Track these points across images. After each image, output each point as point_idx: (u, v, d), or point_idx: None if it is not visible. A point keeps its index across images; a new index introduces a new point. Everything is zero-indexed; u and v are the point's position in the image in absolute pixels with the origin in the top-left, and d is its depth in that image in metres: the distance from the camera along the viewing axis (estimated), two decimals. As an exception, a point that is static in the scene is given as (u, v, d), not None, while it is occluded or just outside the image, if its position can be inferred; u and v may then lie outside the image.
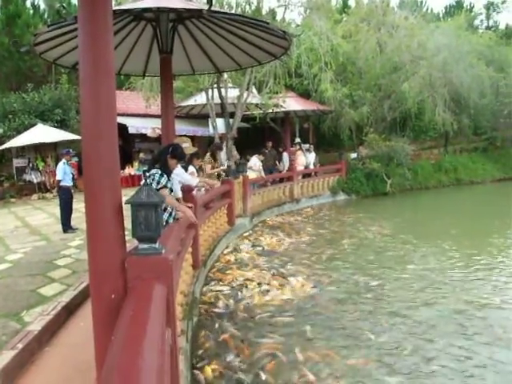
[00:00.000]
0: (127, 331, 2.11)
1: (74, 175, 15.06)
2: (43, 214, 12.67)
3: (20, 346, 3.93)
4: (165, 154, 4.81)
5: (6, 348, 3.90)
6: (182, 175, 6.20)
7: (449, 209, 15.19)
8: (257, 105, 16.75)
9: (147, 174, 4.71)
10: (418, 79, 18.71)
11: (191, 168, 7.68)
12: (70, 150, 11.01)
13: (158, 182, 4.60)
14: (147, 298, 2.45)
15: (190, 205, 6.04)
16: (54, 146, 17.13)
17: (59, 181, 10.02)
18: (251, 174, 13.37)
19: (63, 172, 9.96)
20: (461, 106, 21.40)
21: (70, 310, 4.99)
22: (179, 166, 5.87)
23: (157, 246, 2.75)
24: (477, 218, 13.59)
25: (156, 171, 4.68)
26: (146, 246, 2.74)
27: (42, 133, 16.34)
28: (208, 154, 10.28)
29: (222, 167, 11.70)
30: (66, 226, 9.67)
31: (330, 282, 7.39)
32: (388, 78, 19.54)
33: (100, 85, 2.79)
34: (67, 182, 10.00)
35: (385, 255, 9.15)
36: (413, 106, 19.11)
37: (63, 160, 10.34)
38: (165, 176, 4.69)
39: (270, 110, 16.76)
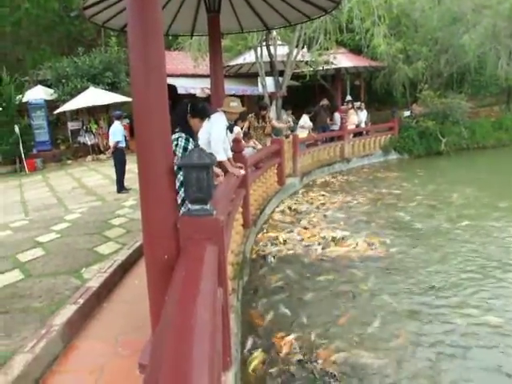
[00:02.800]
0: (181, 291, 2.15)
1: (125, 137, 15.44)
2: (98, 175, 13.12)
3: (81, 300, 4.14)
4: (184, 114, 4.06)
5: (69, 302, 4.11)
6: (214, 143, 5.48)
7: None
8: (307, 62, 16.31)
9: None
10: (480, 30, 17.43)
11: (237, 128, 7.57)
12: (122, 113, 11.20)
13: (185, 149, 3.90)
14: (199, 259, 2.48)
15: (239, 165, 6.04)
16: (106, 108, 17.54)
17: (118, 142, 10.08)
18: (302, 133, 13.19)
19: (121, 133, 10.15)
20: (527, 57, 19.92)
21: (125, 268, 5.19)
22: (219, 127, 5.56)
23: (208, 207, 2.76)
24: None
25: (179, 135, 3.96)
26: (197, 207, 2.76)
27: (94, 96, 16.72)
28: (252, 114, 10.06)
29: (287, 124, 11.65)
30: (121, 186, 10.00)
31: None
32: (446, 31, 18.37)
33: (149, 46, 2.76)
34: (122, 144, 10.23)
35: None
36: (473, 60, 17.97)
37: (118, 121, 10.47)
38: (191, 140, 4.01)
39: (321, 68, 16.31)
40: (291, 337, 4.37)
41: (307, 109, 14.78)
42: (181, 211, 3.17)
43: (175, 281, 2.27)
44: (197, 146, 3.99)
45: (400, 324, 4.69)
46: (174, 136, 3.87)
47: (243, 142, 7.54)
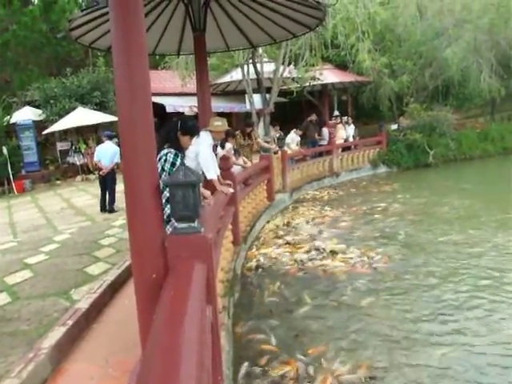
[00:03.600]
0: (168, 310, 2.14)
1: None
2: (87, 195, 13.06)
3: (70, 322, 4.08)
4: (174, 131, 4.02)
5: (58, 324, 4.06)
6: (204, 161, 5.45)
7: (498, 178, 14.61)
8: (293, 78, 16.50)
9: (157, 157, 3.77)
10: (462, 44, 17.83)
11: (228, 145, 7.63)
12: (110, 132, 11.07)
13: (173, 164, 3.84)
14: (187, 277, 2.48)
15: (228, 182, 6.05)
16: (95, 128, 17.52)
17: (117, 163, 9.86)
18: (289, 150, 13.27)
19: (119, 154, 9.44)
20: (509, 70, 20.18)
21: (114, 288, 5.14)
22: (205, 145, 5.57)
23: (195, 224, 2.76)
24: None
25: (168, 151, 3.91)
26: (184, 225, 2.76)
27: (83, 116, 16.72)
28: (238, 131, 10.08)
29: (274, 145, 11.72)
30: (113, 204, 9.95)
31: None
32: (429, 45, 18.73)
33: (133, 66, 2.78)
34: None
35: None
36: (456, 73, 18.28)
37: (110, 141, 10.18)
38: (180, 156, 3.94)
39: (307, 84, 16.49)
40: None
41: (300, 126, 14.93)
42: (167, 228, 3.17)
43: (163, 300, 2.26)
44: (183, 163, 3.93)
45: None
46: (163, 152, 3.88)
47: (233, 158, 7.59)
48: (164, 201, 3.34)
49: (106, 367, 3.58)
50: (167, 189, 3.30)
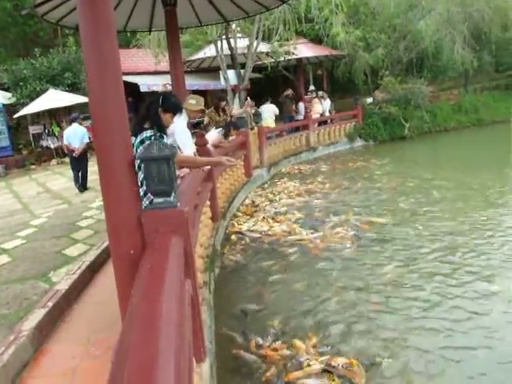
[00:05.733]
0: (146, 283, 2.14)
1: (90, 138, 15.15)
2: (63, 178, 12.85)
3: (50, 304, 4.05)
4: (154, 108, 3.67)
5: (38, 307, 4.03)
6: (180, 136, 5.28)
7: (470, 149, 14.91)
8: (268, 53, 16.35)
9: (137, 140, 3.47)
10: (435, 16, 17.91)
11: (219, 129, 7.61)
12: (80, 114, 11.48)
13: None
14: (164, 251, 2.47)
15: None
16: (68, 110, 17.11)
17: (87, 143, 10.23)
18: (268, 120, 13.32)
19: (87, 134, 10.26)
20: (482, 41, 20.41)
21: (94, 269, 5.12)
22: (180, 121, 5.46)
23: (171, 199, 2.75)
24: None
25: (150, 133, 3.47)
26: (160, 199, 2.74)
27: (55, 98, 16.30)
28: (211, 108, 9.93)
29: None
30: (85, 184, 10.27)
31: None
32: (403, 17, 18.76)
33: (102, 43, 2.72)
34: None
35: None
36: (430, 46, 18.38)
37: (77, 123, 10.48)
38: (165, 137, 3.50)
39: (282, 58, 16.37)
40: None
41: (277, 99, 14.86)
42: (143, 203, 3.14)
43: (141, 274, 2.26)
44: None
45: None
46: (146, 134, 3.49)
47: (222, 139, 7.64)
48: (142, 176, 3.27)
49: (88, 346, 3.58)
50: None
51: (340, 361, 3.83)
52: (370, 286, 5.32)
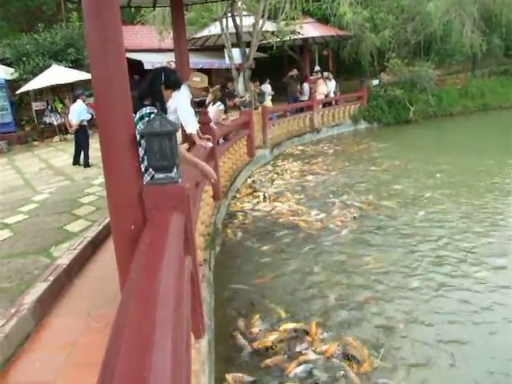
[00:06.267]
0: (145, 258, 2.14)
1: (92, 115, 15.10)
2: (66, 155, 12.82)
3: (51, 278, 4.08)
4: (157, 85, 3.64)
5: (39, 281, 4.06)
6: (183, 113, 5.31)
7: (475, 134, 14.80)
8: (273, 32, 16.14)
9: (137, 116, 3.39)
10: (445, -3, 17.60)
11: (217, 104, 7.50)
12: (83, 92, 11.36)
13: None
14: (164, 227, 2.47)
15: (207, 136, 5.99)
16: (71, 86, 17.01)
17: (82, 120, 10.47)
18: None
19: (85, 112, 10.48)
20: (491, 24, 20.04)
21: (95, 245, 5.14)
22: (184, 98, 5.42)
23: (173, 174, 2.73)
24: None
25: (150, 110, 3.44)
26: (161, 175, 2.73)
27: (58, 74, 16.17)
28: (216, 86, 9.86)
29: (238, 99, 11.49)
30: (88, 161, 10.43)
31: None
32: (412, -2, 18.45)
33: (105, 18, 2.67)
34: (85, 122, 10.56)
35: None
36: (438, 28, 18.11)
37: (80, 100, 10.65)
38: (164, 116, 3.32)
39: (288, 38, 16.16)
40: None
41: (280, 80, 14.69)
42: (144, 178, 3.12)
43: (140, 249, 2.25)
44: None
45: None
46: (146, 110, 3.46)
47: (223, 116, 7.56)
48: (143, 152, 3.26)
49: (89, 320, 3.61)
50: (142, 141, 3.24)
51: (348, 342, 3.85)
52: (366, 271, 5.31)
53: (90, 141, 10.60)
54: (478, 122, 17.87)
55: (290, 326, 4.12)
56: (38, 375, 3.01)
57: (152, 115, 3.40)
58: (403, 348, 3.81)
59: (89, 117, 10.76)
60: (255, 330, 4.10)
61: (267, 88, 13.96)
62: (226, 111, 8.38)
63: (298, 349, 3.82)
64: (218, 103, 7.56)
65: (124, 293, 1.92)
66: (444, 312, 4.28)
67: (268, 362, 3.68)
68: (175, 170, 2.74)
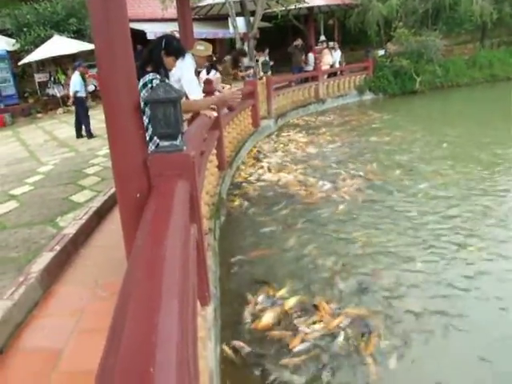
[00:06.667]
0: (151, 226, 2.14)
1: (96, 86, 14.99)
2: (69, 126, 12.75)
3: (57, 247, 4.12)
4: (157, 51, 3.66)
5: (46, 250, 4.10)
6: (187, 83, 5.26)
7: (481, 106, 14.59)
8: (278, 1, 15.82)
9: (140, 84, 3.40)
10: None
11: (213, 72, 7.38)
12: (81, 62, 11.83)
13: None
14: (170, 194, 2.46)
15: (212, 106, 5.93)
16: (73, 57, 16.83)
17: (76, 92, 10.57)
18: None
19: (80, 83, 10.59)
20: (503, -9, 19.50)
21: (101, 215, 5.16)
22: (188, 67, 5.33)
23: (178, 142, 2.71)
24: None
25: (154, 76, 3.49)
26: (166, 143, 2.70)
27: (60, 45, 16.01)
28: (228, 56, 9.76)
29: (247, 72, 11.38)
30: (90, 131, 10.55)
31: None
32: (421, -36, 17.95)
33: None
34: (82, 93, 10.67)
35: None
36: (448, -5, 17.65)
37: (76, 72, 10.79)
38: (167, 81, 3.49)
39: (293, 7, 15.86)
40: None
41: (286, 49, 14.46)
42: (149, 147, 3.11)
43: (145, 217, 2.25)
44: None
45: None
46: (149, 77, 3.49)
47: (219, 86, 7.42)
48: (147, 120, 3.25)
49: (95, 289, 3.65)
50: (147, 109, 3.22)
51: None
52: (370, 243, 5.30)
53: (95, 112, 10.59)
54: (485, 93, 17.57)
55: (293, 300, 4.05)
56: (48, 341, 3.06)
57: (154, 81, 3.47)
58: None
59: (92, 88, 10.76)
60: (259, 306, 4.01)
61: (263, 58, 13.77)
62: (235, 66, 8.35)
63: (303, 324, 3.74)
64: (213, 72, 7.40)
65: (130, 260, 1.92)
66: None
67: (272, 334, 3.65)
68: (180, 137, 2.71)
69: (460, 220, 5.63)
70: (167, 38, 3.78)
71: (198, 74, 6.37)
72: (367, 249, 5.02)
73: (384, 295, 4.12)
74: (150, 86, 3.45)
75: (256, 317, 3.87)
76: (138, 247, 1.96)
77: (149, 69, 3.57)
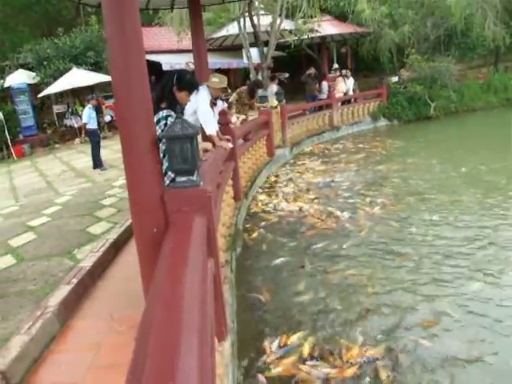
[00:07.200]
0: (169, 262, 2.14)
1: (112, 117, 15.28)
2: (87, 157, 12.96)
3: (75, 280, 4.12)
4: (170, 87, 3.65)
5: (63, 283, 4.10)
6: (203, 115, 5.37)
7: (497, 131, 14.45)
8: (291, 31, 16.10)
9: (154, 120, 3.24)
10: (467, -10, 17.21)
11: (220, 103, 7.37)
12: (94, 95, 12.06)
13: None
14: (187, 230, 2.47)
15: (227, 137, 5.99)
16: (91, 89, 17.23)
17: (85, 124, 10.83)
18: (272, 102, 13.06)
19: (88, 116, 10.68)
20: (515, 16, 19.56)
21: (117, 247, 5.17)
22: (204, 100, 5.40)
23: (194, 178, 2.73)
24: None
25: (168, 113, 3.47)
26: (183, 178, 2.73)
27: (78, 77, 16.42)
28: (243, 88, 9.79)
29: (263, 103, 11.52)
30: (98, 163, 10.61)
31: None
32: (431, -8, 18.14)
33: (125, 22, 2.69)
34: (92, 125, 10.76)
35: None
36: (459, 22, 17.66)
37: (89, 105, 10.91)
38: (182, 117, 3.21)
39: (306, 36, 16.10)
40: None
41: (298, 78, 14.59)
42: (165, 181, 3.13)
43: (164, 253, 2.25)
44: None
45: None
46: (163, 113, 3.48)
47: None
48: (161, 155, 3.28)
49: (112, 322, 3.63)
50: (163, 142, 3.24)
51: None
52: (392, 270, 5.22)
53: (111, 142, 10.75)
54: (501, 117, 17.39)
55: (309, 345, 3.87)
56: (65, 376, 3.04)
57: (169, 118, 3.46)
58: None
59: (109, 118, 10.96)
60: (272, 357, 3.79)
61: (273, 88, 13.85)
62: (252, 97, 8.46)
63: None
64: (220, 103, 7.38)
65: (149, 297, 1.92)
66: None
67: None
68: (196, 172, 2.73)
69: (482, 254, 5.45)
70: (179, 73, 3.77)
71: (213, 105, 6.44)
72: (388, 286, 4.91)
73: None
74: (163, 122, 3.46)
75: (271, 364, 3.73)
76: (156, 284, 1.96)
77: (163, 105, 3.57)
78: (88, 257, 4.68)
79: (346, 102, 16.33)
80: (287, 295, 4.83)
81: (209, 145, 4.68)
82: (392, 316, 4.25)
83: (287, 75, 16.85)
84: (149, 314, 1.76)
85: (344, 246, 5.97)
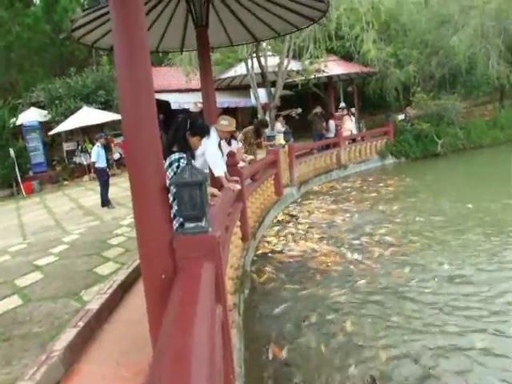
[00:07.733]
0: (178, 311, 2.12)
1: (121, 154, 15.49)
2: (95, 195, 13.03)
3: (81, 324, 4.08)
4: (182, 132, 3.73)
5: (69, 326, 4.06)
6: (211, 157, 5.41)
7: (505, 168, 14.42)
8: (298, 71, 16.41)
9: (166, 163, 3.47)
10: (469, 31, 17.50)
11: (235, 143, 7.43)
12: (103, 134, 12.33)
13: None
14: (196, 278, 2.45)
15: (235, 178, 6.01)
16: (101, 127, 17.53)
17: (94, 163, 10.98)
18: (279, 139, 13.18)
19: (97, 155, 10.79)
20: (518, 55, 19.84)
21: (125, 288, 5.13)
22: (212, 142, 5.35)
23: (203, 224, 2.73)
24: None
25: (180, 156, 3.52)
26: (192, 224, 2.73)
27: (88, 115, 16.74)
28: (249, 128, 9.88)
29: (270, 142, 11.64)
30: (106, 201, 10.65)
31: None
32: (435, 33, 18.49)
33: (136, 65, 2.76)
34: (101, 164, 10.86)
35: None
36: (463, 61, 17.95)
37: (97, 143, 11.04)
38: (192, 162, 3.20)
39: (312, 76, 16.39)
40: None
41: (306, 117, 14.80)
42: (174, 224, 3.14)
43: (172, 301, 2.24)
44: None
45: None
46: (175, 156, 3.54)
47: (239, 156, 7.51)
48: (171, 199, 3.29)
49: (118, 368, 3.57)
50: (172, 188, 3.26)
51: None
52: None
53: (119, 179, 10.85)
54: (508, 153, 17.29)
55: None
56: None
57: (181, 160, 3.50)
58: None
59: (117, 156, 11.10)
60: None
61: (278, 126, 14.02)
62: (259, 136, 8.56)
63: None
64: (235, 142, 7.40)
65: (157, 349, 1.88)
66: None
67: None
68: (205, 218, 2.73)
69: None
70: (192, 119, 3.83)
71: (228, 144, 6.54)
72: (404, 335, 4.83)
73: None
74: (176, 164, 3.50)
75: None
76: (165, 335, 1.94)
77: (175, 149, 3.64)
78: (95, 299, 4.64)
79: (353, 140, 16.45)
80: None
81: (216, 190, 4.68)
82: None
83: (300, 110, 17.03)
84: (157, 366, 1.73)
85: (346, 295, 5.70)
